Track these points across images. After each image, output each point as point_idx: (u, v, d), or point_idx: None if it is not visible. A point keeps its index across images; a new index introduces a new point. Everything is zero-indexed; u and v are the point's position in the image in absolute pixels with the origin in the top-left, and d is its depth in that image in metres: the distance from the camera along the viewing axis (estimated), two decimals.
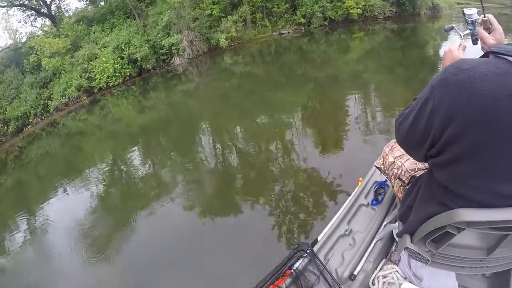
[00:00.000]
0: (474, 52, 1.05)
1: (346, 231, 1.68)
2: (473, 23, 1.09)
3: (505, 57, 0.71)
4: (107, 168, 6.81)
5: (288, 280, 1.40)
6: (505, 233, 0.87)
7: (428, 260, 1.03)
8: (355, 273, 1.48)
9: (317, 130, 5.83)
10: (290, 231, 3.42)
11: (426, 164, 1.11)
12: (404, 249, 1.05)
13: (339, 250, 1.59)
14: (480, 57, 0.83)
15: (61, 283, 3.60)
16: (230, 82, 12.30)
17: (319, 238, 1.67)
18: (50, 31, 19.03)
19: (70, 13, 20.88)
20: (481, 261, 1.00)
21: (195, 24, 18.72)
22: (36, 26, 20.94)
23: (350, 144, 4.90)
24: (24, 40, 19.93)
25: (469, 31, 1.14)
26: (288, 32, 20.66)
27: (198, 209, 4.24)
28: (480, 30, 1.03)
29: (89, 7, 21.32)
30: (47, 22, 20.67)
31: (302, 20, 20.57)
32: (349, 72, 10.32)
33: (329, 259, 1.55)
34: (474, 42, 1.13)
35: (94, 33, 19.02)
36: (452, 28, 1.33)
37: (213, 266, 3.09)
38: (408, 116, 0.91)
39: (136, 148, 7.52)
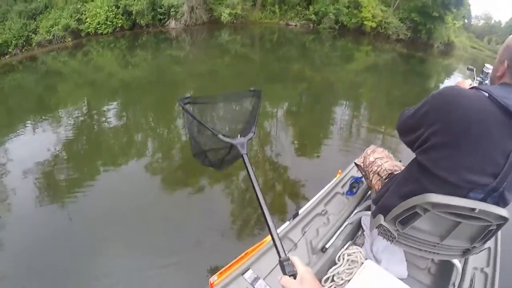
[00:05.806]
0: None
1: (322, 211, 1.93)
2: (486, 75, 1.67)
3: (481, 91, 1.00)
4: (79, 115, 6.46)
5: None
6: (457, 220, 1.08)
7: (395, 238, 1.23)
8: (327, 246, 1.69)
9: (300, 127, 5.90)
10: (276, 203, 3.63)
11: (402, 167, 1.59)
12: (376, 227, 1.26)
13: (315, 226, 1.82)
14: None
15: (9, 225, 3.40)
16: (222, 59, 11.63)
17: (299, 212, 1.91)
18: None
19: None
20: (434, 246, 1.23)
21: None
22: None
23: (328, 146, 5.14)
24: None
25: (480, 79, 1.71)
26: (296, 25, 19.69)
27: (161, 177, 4.16)
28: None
29: None
30: None
31: (313, 17, 19.65)
32: (346, 82, 9.95)
33: (306, 231, 1.78)
34: None
35: None
36: (472, 69, 1.72)
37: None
38: (410, 110, 1.21)
39: (112, 101, 7.19)
